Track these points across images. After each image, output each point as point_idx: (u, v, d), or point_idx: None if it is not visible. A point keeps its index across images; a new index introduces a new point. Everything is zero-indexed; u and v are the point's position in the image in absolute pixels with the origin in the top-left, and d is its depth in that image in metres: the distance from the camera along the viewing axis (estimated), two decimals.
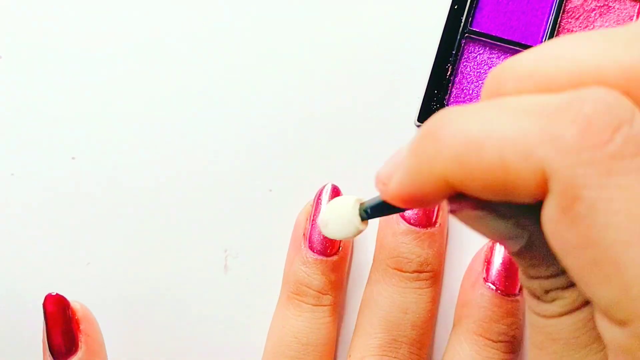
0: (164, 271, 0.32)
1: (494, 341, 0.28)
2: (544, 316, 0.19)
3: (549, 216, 0.15)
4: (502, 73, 0.17)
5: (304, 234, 0.30)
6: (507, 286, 0.28)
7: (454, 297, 0.31)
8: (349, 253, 0.31)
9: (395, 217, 0.29)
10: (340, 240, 0.30)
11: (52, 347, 0.27)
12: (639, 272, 0.14)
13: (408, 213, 0.29)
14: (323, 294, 0.29)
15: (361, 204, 0.26)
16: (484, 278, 0.29)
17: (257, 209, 0.32)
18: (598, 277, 0.14)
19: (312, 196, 0.31)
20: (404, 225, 0.29)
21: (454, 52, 0.31)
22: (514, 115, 0.16)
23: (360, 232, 0.26)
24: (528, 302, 0.20)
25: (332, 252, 0.29)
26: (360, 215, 0.26)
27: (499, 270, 0.28)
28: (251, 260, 0.32)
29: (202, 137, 0.32)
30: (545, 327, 0.19)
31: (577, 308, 0.18)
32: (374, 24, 0.32)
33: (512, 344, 0.28)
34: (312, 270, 0.29)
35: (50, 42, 0.33)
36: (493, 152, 0.15)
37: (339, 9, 0.33)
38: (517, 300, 0.28)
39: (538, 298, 0.19)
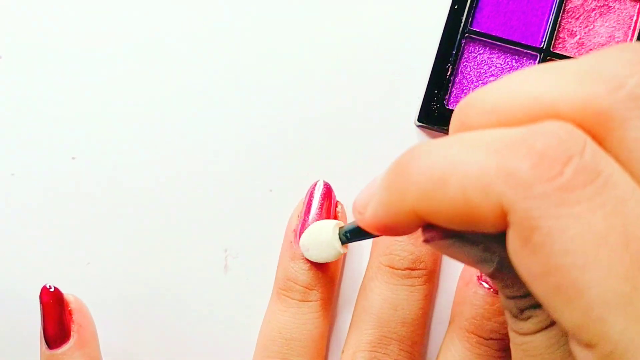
0: (164, 271, 0.32)
1: (485, 338, 0.28)
2: (521, 334, 0.20)
3: (512, 247, 0.16)
4: (467, 107, 0.18)
5: (294, 230, 0.30)
6: None
7: (452, 296, 0.31)
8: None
9: None
10: None
11: (46, 335, 0.28)
12: (597, 294, 0.15)
13: None
14: (310, 289, 0.29)
15: (340, 228, 0.27)
16: (478, 277, 0.29)
17: (257, 209, 0.32)
18: (562, 302, 0.15)
19: None
20: None
21: (454, 52, 0.31)
22: (474, 150, 0.16)
23: (341, 255, 0.27)
24: (508, 321, 0.21)
25: None
26: (340, 239, 0.27)
27: None
28: (251, 260, 0.32)
29: (202, 137, 0.32)
30: (523, 344, 0.20)
31: (551, 325, 0.19)
32: (374, 24, 0.32)
33: (504, 342, 0.28)
34: (299, 266, 0.29)
35: (51, 42, 0.33)
36: (456, 188, 0.16)
37: (339, 9, 0.33)
38: None
39: (515, 316, 0.20)
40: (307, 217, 0.30)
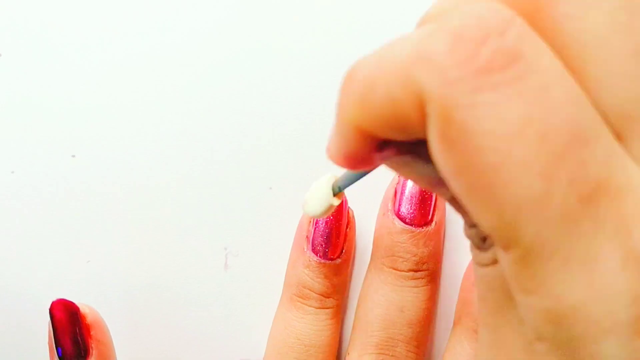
0: (165, 269, 0.32)
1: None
2: (483, 265, 0.18)
3: (431, 144, 0.14)
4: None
5: (307, 236, 0.30)
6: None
7: (455, 296, 0.31)
8: (352, 255, 0.31)
9: (391, 216, 0.29)
10: (344, 243, 0.30)
11: (63, 354, 0.27)
12: (510, 195, 0.13)
13: (404, 212, 0.29)
14: (326, 297, 0.29)
15: (336, 179, 0.26)
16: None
17: (257, 206, 0.32)
18: (477, 203, 0.14)
19: None
20: (399, 225, 0.29)
21: None
22: (399, 45, 0.14)
23: (332, 207, 0.26)
24: (472, 253, 0.19)
25: (335, 255, 0.29)
26: (333, 189, 0.25)
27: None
28: (251, 258, 0.32)
29: (202, 135, 0.32)
30: (485, 277, 0.18)
31: None
32: (374, 23, 0.32)
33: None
34: (315, 274, 0.29)
35: (51, 40, 0.33)
36: (383, 88, 0.14)
37: (339, 8, 0.33)
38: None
39: (478, 247, 0.18)
40: (319, 222, 0.30)
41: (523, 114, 0.13)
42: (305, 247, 0.30)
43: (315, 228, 0.30)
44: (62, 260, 0.32)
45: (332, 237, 0.30)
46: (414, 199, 0.29)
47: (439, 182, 0.17)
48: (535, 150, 0.13)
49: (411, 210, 0.29)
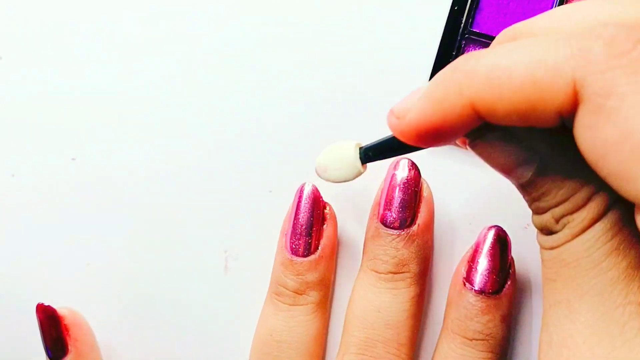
0: (164, 272, 0.32)
1: (468, 339, 0.28)
2: (557, 246, 0.20)
3: (583, 123, 0.17)
4: (516, 29, 0.20)
5: (285, 234, 0.30)
6: (483, 285, 0.28)
7: (444, 298, 0.31)
8: (333, 252, 0.31)
9: (374, 220, 0.29)
10: (318, 240, 0.30)
11: (45, 350, 0.30)
12: None
13: (385, 215, 0.29)
14: (299, 294, 0.30)
15: (361, 147, 0.26)
16: (464, 278, 0.29)
17: (257, 210, 0.32)
18: (638, 167, 0.16)
19: None
20: (381, 228, 0.29)
21: (454, 53, 0.31)
22: (540, 41, 0.18)
23: (361, 174, 0.26)
24: (540, 242, 0.21)
25: (308, 252, 0.30)
26: (361, 157, 0.26)
27: (477, 270, 0.29)
28: (251, 261, 0.32)
29: (202, 139, 0.32)
30: (559, 256, 0.20)
31: (588, 227, 0.19)
32: (375, 25, 0.32)
33: (488, 342, 0.28)
34: (288, 271, 0.30)
35: (51, 44, 0.33)
36: (524, 73, 0.17)
37: (339, 10, 0.33)
38: (497, 298, 0.28)
39: (550, 229, 0.20)
40: (297, 219, 0.30)
41: None
42: (283, 245, 0.30)
43: (291, 226, 0.30)
44: (61, 263, 0.32)
45: (304, 235, 0.30)
46: (396, 202, 0.29)
47: (521, 163, 0.20)
48: None
49: (392, 214, 0.29)
